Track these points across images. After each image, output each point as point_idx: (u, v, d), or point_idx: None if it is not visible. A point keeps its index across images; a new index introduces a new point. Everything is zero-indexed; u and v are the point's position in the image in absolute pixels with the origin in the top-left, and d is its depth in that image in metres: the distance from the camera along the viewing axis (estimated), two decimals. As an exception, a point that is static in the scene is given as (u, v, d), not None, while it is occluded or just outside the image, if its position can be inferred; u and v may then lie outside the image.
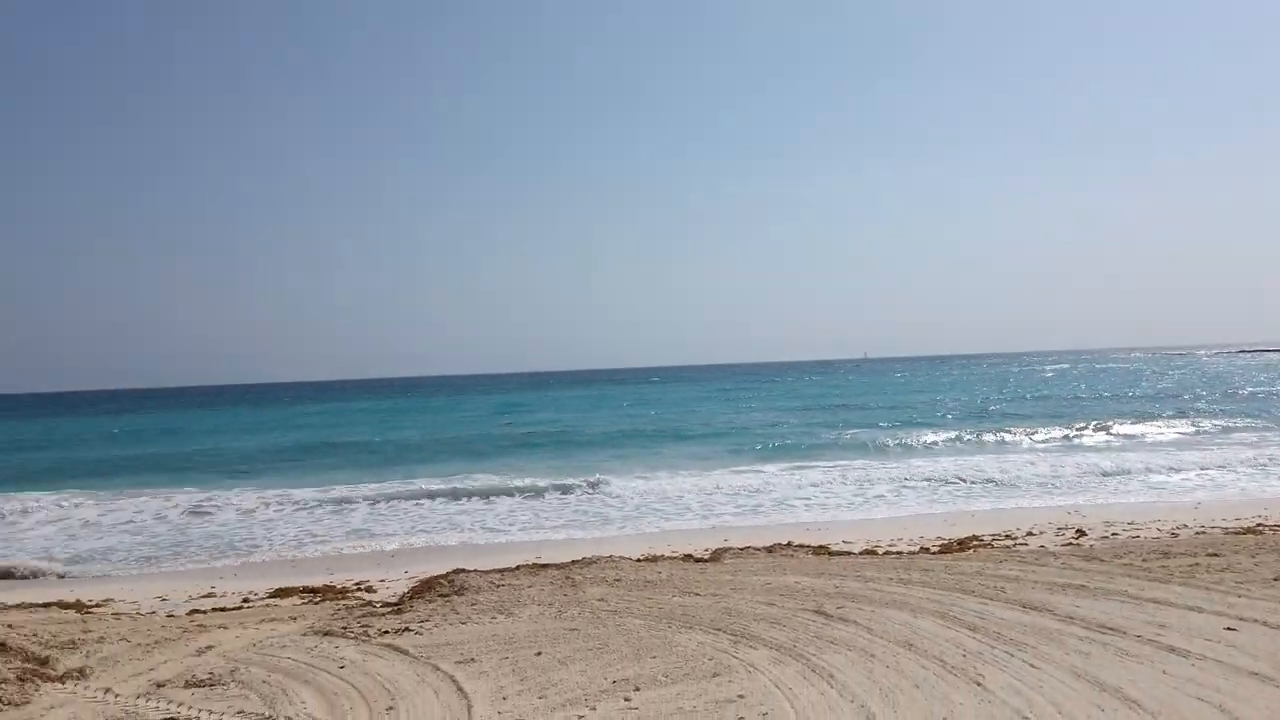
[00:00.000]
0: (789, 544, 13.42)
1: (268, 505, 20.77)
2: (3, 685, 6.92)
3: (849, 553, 12.70)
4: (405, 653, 7.72)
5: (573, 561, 12.10)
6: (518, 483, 22.92)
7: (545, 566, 11.89)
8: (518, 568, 11.98)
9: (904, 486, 21.10)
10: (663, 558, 12.80)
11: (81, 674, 7.50)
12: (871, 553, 12.71)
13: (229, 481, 26.66)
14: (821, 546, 13.18)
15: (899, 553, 12.64)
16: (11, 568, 15.33)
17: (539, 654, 7.46)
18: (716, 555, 12.51)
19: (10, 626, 9.23)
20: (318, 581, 12.51)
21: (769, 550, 12.80)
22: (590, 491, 21.14)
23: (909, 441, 32.18)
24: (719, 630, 8.00)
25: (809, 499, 19.80)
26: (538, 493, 21.48)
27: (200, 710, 6.33)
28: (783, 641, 7.49)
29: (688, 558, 12.67)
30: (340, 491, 22.24)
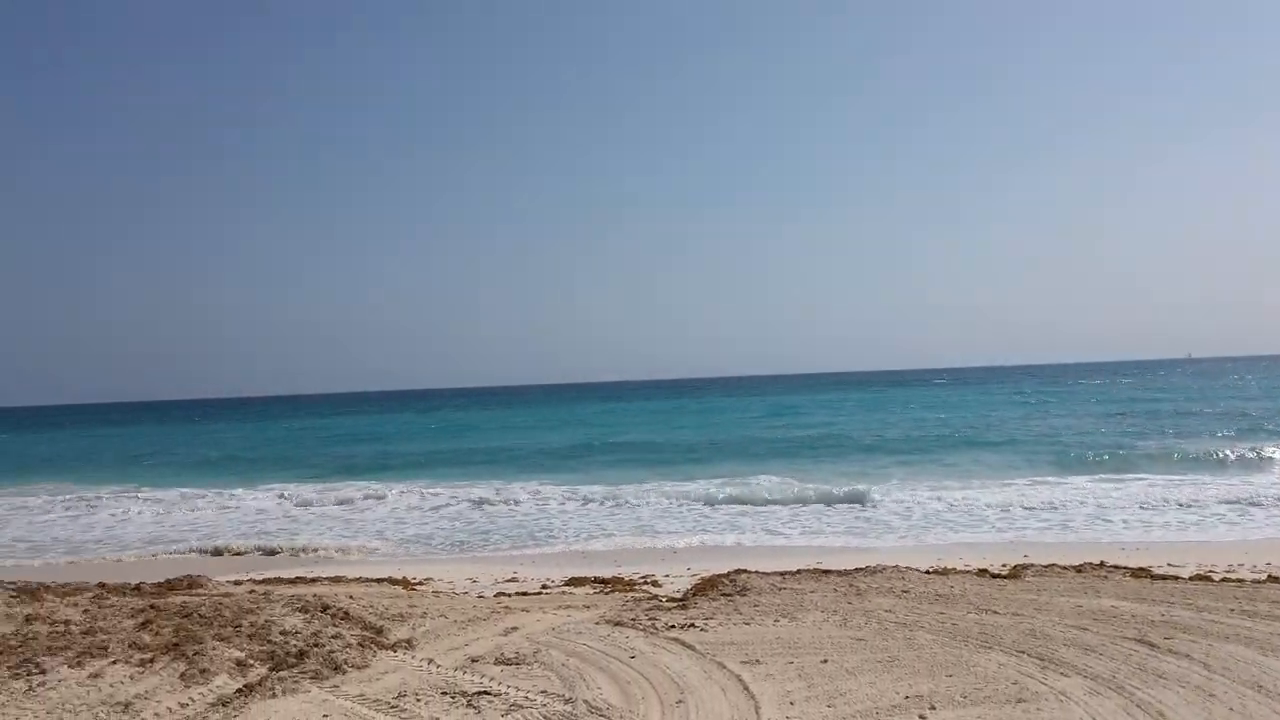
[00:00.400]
0: (1101, 564, 12.13)
1: (561, 500, 22.16)
2: (347, 649, 7.88)
3: (1176, 577, 11.23)
4: (691, 648, 7.84)
5: (856, 569, 11.73)
6: (797, 486, 22.72)
7: (827, 573, 11.62)
8: (799, 572, 11.81)
9: (1248, 504, 18.36)
10: (954, 571, 12.06)
11: (409, 644, 8.36)
12: (1205, 578, 11.15)
13: (527, 475, 28.85)
14: (1142, 568, 11.78)
15: (1240, 580, 10.99)
16: (349, 547, 17.58)
17: (825, 661, 7.27)
18: (1016, 572, 11.57)
19: (352, 598, 10.53)
20: (607, 573, 13.11)
21: (1078, 569, 11.64)
22: (873, 498, 20.44)
23: (1253, 454, 27.98)
24: (1022, 653, 7.36)
25: (1126, 515, 17.80)
26: (818, 497, 21.13)
27: (509, 686, 6.82)
28: (1099, 671, 6.74)
29: (982, 572, 11.84)
30: (626, 489, 23.25)
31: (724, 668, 7.20)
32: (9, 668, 7.11)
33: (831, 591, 10.12)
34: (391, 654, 7.99)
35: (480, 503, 22.25)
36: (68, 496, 26.95)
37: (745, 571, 11.62)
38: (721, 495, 21.71)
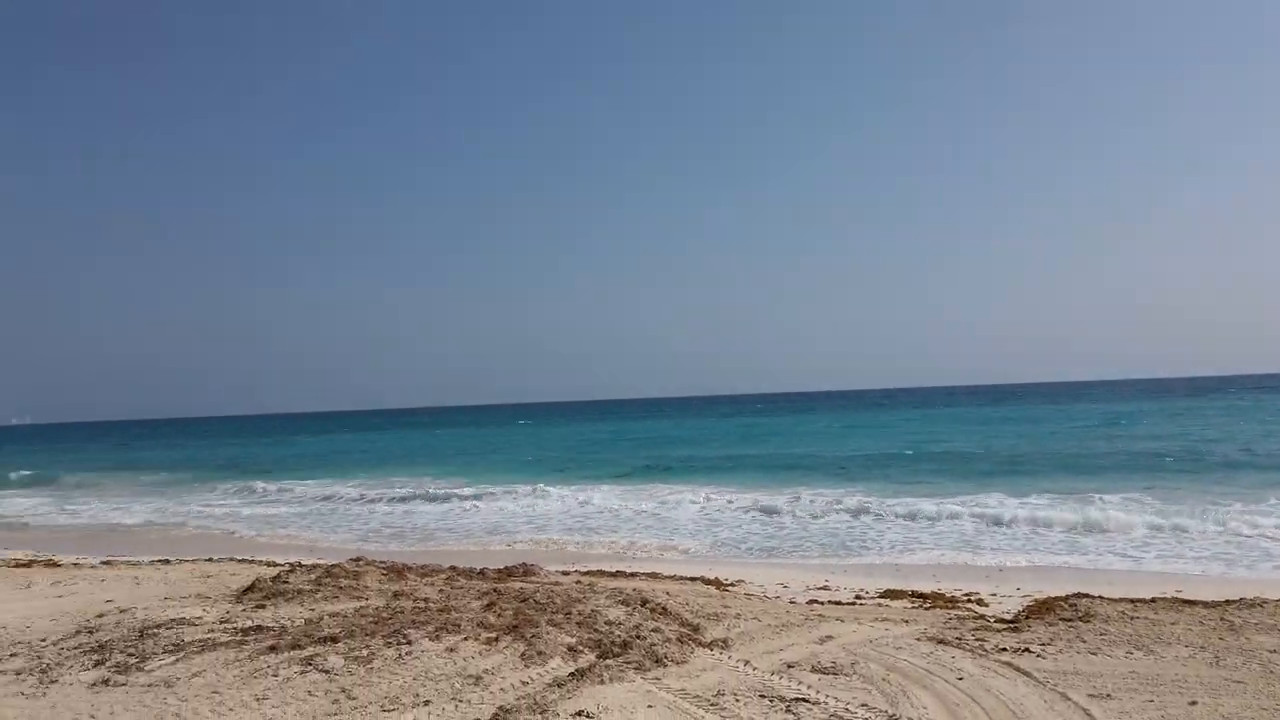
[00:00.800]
0: None
1: (874, 508, 21.41)
2: (667, 644, 8.09)
3: None
4: (1028, 675, 7.17)
5: (1227, 601, 10.13)
6: (1149, 504, 20.21)
7: (1190, 603, 10.16)
8: (1153, 600, 10.44)
9: None
10: (1362, 611, 10.02)
11: (724, 644, 8.44)
12: None
13: (838, 482, 28.28)
14: None
15: None
16: (663, 545, 18.23)
17: (1194, 704, 6.32)
18: None
19: (669, 594, 10.87)
20: (925, 587, 12.43)
21: None
22: (1246, 519, 17.59)
23: None
24: None
25: None
26: (1173, 516, 18.59)
27: (827, 695, 6.62)
28: None
29: (1404, 615, 9.73)
30: (943, 501, 21.98)
31: (1068, 699, 6.50)
32: (383, 637, 8.11)
33: (1197, 625, 8.81)
34: (708, 652, 8.10)
35: (789, 508, 22.13)
36: (413, 490, 30.58)
37: (1087, 596, 10.50)
38: (1055, 510, 19.83)
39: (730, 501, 24.09)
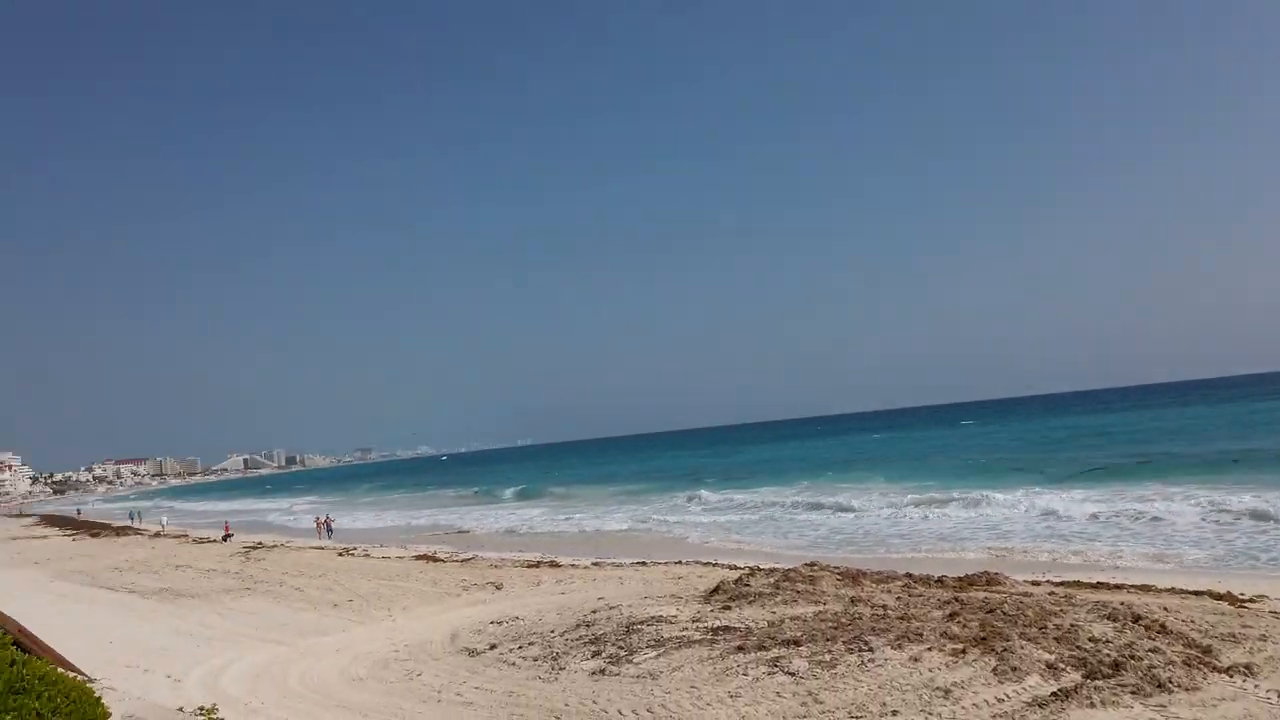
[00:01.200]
0: None
1: None
2: (1170, 667, 6.97)
3: None
4: None
5: None
6: None
7: None
8: None
9: None
10: None
11: (1248, 670, 7.05)
12: None
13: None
14: None
15: None
16: (1156, 555, 15.92)
17: None
18: None
19: (1166, 610, 9.40)
20: None
21: None
22: None
23: None
24: None
25: None
26: None
27: None
28: None
29: None
30: None
31: None
32: (844, 642, 8.07)
33: None
34: (1226, 679, 6.83)
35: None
36: (851, 497, 30.28)
37: None
38: None
39: (1239, 501, 20.28)
